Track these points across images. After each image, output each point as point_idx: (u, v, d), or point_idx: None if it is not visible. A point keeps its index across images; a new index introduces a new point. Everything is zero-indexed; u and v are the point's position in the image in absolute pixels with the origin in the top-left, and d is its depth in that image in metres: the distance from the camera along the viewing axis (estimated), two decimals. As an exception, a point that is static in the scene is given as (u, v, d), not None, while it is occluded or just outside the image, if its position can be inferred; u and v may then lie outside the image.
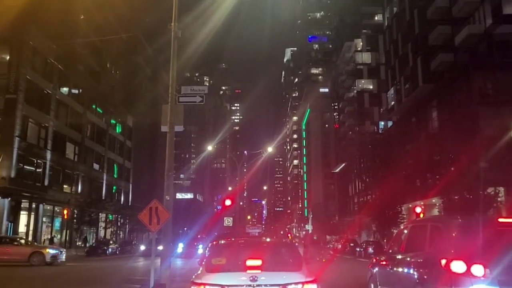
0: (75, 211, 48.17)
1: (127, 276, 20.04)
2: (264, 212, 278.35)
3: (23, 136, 42.79)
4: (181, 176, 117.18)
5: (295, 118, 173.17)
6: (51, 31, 46.52)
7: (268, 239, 9.68)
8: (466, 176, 29.09)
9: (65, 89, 52.25)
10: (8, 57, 43.01)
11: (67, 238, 49.06)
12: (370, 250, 40.50)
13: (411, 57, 50.86)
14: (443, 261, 6.70)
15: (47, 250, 28.23)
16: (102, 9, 58.35)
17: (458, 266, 6.43)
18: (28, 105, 43.59)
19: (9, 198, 40.66)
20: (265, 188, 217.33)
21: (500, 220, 7.56)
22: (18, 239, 31.04)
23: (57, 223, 50.15)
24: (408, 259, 8.46)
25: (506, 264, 6.26)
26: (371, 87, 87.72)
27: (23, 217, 43.50)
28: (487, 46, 39.51)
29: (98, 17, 57.64)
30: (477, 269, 6.29)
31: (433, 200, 39.17)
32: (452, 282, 6.46)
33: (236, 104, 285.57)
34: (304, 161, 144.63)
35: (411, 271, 8.06)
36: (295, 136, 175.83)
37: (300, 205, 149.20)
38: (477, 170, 28.54)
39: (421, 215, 35.46)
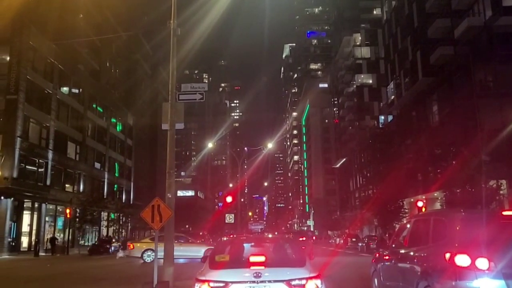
0: (77, 210, 48.24)
1: (130, 274, 20.06)
2: (265, 208, 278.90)
3: (24, 136, 42.84)
4: (182, 173, 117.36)
5: (294, 114, 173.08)
6: (50, 31, 46.64)
7: (270, 235, 9.66)
8: (468, 169, 29.06)
9: (65, 89, 52.27)
10: (8, 58, 42.98)
11: (70, 237, 49.04)
12: (373, 245, 40.38)
13: (410, 50, 50.78)
14: (447, 255, 6.67)
15: None
16: (100, 8, 58.43)
17: (462, 260, 6.40)
18: (29, 105, 43.67)
19: (12, 198, 40.81)
20: (265, 184, 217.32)
21: (505, 213, 7.51)
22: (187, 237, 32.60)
23: (60, 222, 50.29)
24: (412, 253, 8.43)
25: (511, 257, 6.23)
26: (370, 81, 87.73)
27: (26, 217, 43.62)
28: (487, 38, 39.40)
29: (97, 16, 57.71)
30: (482, 263, 6.25)
31: (435, 194, 39.19)
32: (456, 275, 6.43)
33: (235, 101, 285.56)
34: (305, 157, 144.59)
35: (415, 265, 8.03)
36: (295, 132, 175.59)
37: (301, 201, 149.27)
38: (479, 163, 28.50)
39: (423, 209, 35.43)
